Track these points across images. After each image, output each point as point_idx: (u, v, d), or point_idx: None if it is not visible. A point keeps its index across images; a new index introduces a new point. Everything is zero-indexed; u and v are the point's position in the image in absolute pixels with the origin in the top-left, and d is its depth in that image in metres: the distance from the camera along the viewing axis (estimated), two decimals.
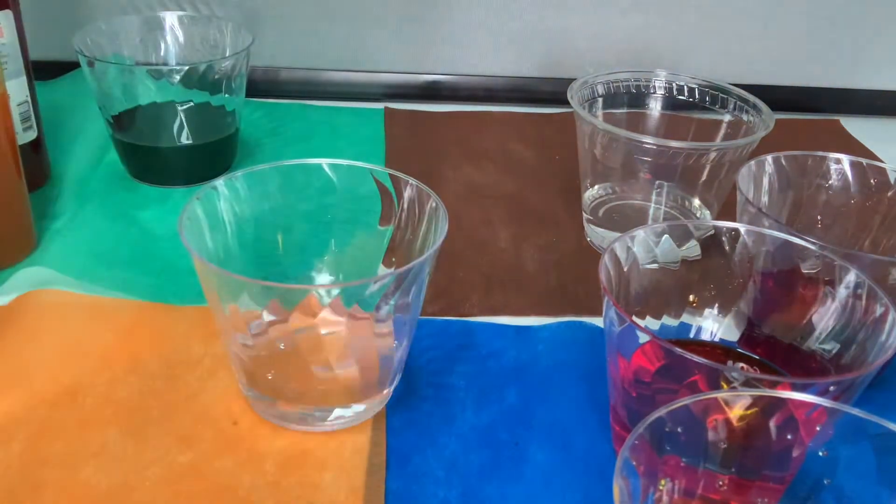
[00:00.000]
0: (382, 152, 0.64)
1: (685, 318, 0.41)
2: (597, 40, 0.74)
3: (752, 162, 0.45)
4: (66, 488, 0.34)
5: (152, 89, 0.55)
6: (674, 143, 0.47)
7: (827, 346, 0.37)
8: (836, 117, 0.76)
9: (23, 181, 0.48)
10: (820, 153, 0.48)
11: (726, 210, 0.52)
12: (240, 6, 0.71)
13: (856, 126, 0.74)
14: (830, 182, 0.48)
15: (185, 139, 0.57)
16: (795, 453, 0.31)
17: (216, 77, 0.55)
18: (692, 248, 0.40)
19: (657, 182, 0.52)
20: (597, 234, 0.54)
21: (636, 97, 0.56)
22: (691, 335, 0.41)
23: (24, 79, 0.52)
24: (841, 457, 0.30)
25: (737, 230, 0.40)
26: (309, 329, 0.35)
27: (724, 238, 0.40)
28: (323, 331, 0.35)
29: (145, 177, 0.57)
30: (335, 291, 0.33)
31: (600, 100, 0.55)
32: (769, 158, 0.46)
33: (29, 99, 0.52)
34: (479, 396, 0.41)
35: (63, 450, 0.36)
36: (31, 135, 0.53)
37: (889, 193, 0.47)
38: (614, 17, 0.73)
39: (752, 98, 0.52)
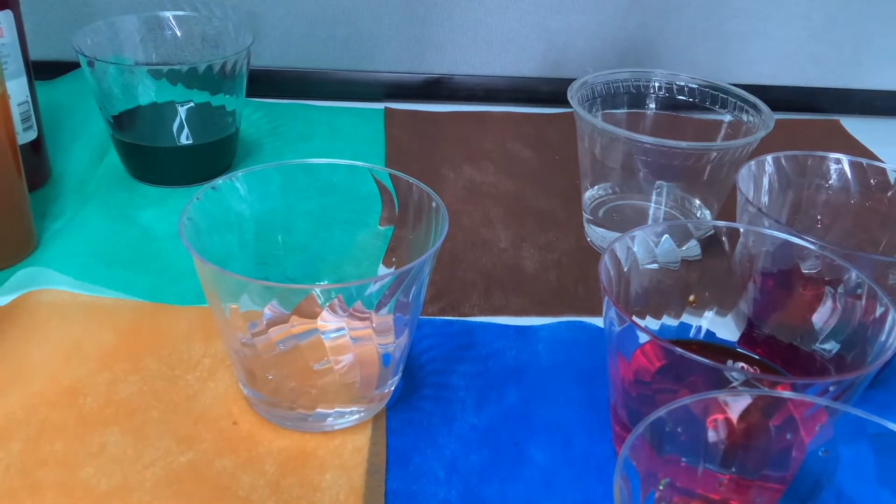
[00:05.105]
0: (382, 152, 0.64)
1: (685, 318, 0.41)
2: (597, 40, 0.74)
3: (752, 162, 0.45)
4: (65, 488, 0.34)
5: (152, 89, 0.55)
6: (674, 143, 0.47)
7: (827, 347, 0.37)
8: (835, 117, 0.76)
9: (23, 181, 0.48)
10: (820, 153, 0.48)
11: (726, 210, 0.52)
12: (240, 6, 0.71)
13: (856, 126, 0.74)
14: (830, 182, 0.48)
15: (185, 139, 0.57)
16: (795, 453, 0.31)
17: (216, 77, 0.55)
18: (692, 248, 0.40)
19: (657, 182, 0.52)
20: (597, 234, 0.54)
21: (636, 97, 0.56)
22: (691, 335, 0.41)
23: (24, 79, 0.52)
24: (841, 457, 0.30)
25: (737, 230, 0.40)
26: (309, 329, 0.35)
27: (724, 238, 0.40)
28: (323, 331, 0.35)
29: (145, 177, 0.57)
30: (335, 291, 0.33)
31: (600, 100, 0.55)
32: (769, 158, 0.46)
33: (29, 99, 0.52)
34: (479, 396, 0.41)
35: (63, 450, 0.36)
36: (32, 135, 0.53)
37: (889, 193, 0.47)
38: (614, 17, 0.73)
39: (752, 98, 0.52)
